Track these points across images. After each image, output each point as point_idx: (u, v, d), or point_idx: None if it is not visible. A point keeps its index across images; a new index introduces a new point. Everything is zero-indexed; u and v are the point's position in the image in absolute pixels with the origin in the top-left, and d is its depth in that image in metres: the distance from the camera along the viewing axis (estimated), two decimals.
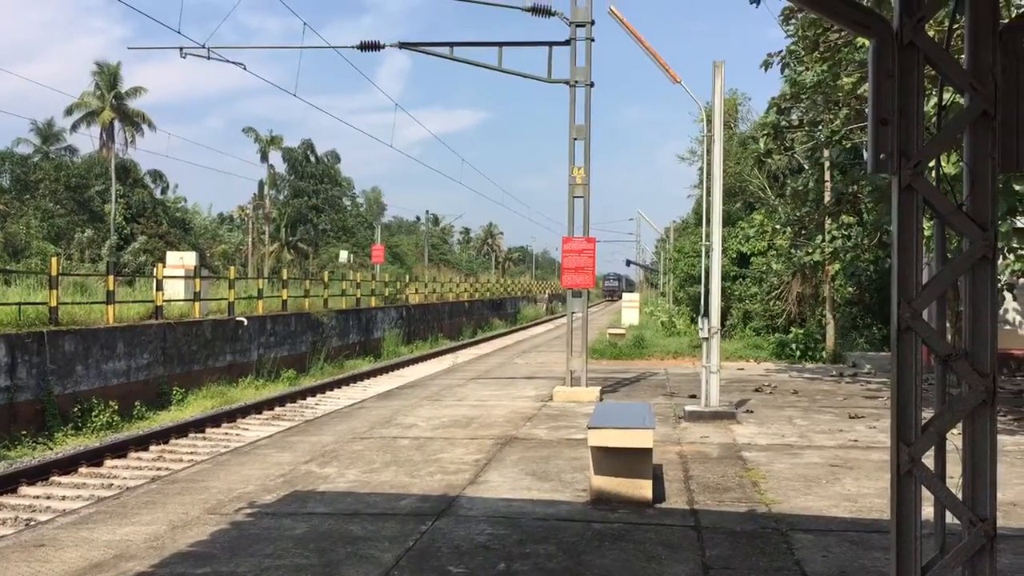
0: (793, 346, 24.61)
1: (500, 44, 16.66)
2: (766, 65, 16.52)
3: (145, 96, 63.49)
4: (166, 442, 15.83)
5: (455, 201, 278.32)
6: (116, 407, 17.84)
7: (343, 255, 59.08)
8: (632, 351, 25.64)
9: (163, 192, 64.47)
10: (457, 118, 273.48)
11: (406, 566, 6.24)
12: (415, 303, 42.98)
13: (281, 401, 20.66)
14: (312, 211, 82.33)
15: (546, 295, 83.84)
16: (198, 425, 17.14)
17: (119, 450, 14.80)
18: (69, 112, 59.76)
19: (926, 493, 2.94)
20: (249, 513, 7.70)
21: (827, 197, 20.96)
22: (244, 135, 76.63)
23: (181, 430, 16.63)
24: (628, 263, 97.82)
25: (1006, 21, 3.04)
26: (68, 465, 13.64)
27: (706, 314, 13.97)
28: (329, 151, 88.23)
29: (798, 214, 21.14)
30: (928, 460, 2.96)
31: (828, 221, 21.03)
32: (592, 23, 15.55)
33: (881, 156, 2.94)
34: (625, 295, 51.17)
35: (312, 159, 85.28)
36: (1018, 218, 13.39)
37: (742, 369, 21.53)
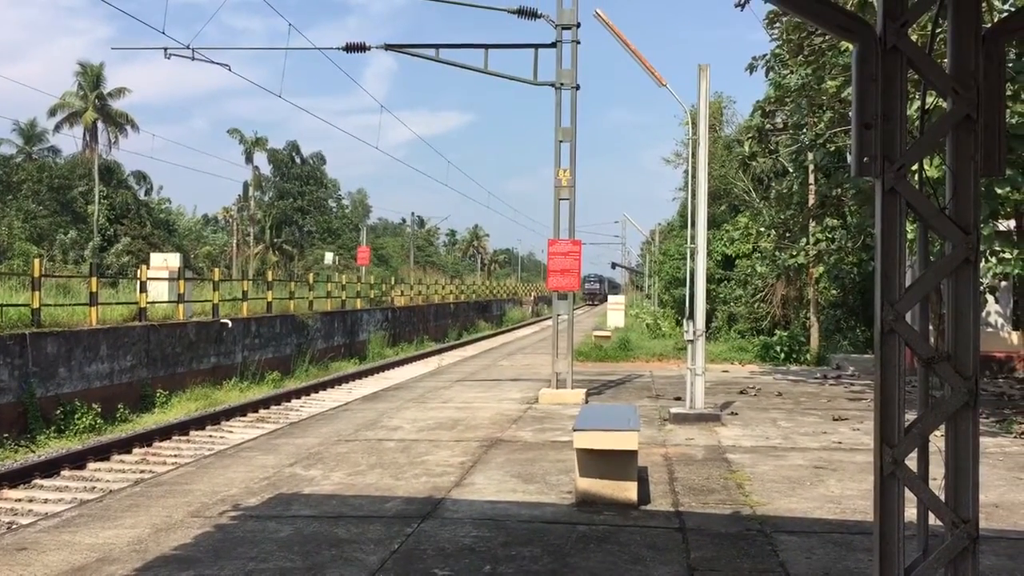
0: (777, 348, 24.69)
1: (486, 46, 16.67)
2: (751, 68, 16.59)
3: (129, 97, 63.17)
4: (149, 445, 15.75)
5: (441, 203, 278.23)
6: (99, 409, 17.73)
7: (328, 257, 58.88)
8: (617, 353, 25.67)
9: (147, 193, 64.17)
10: (443, 120, 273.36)
11: (391, 568, 6.23)
12: (400, 305, 42.91)
13: (266, 403, 20.59)
14: (297, 213, 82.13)
15: (532, 297, 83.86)
16: (182, 428, 17.06)
17: (102, 453, 14.72)
18: (52, 113, 59.37)
19: (909, 495, 2.95)
20: (233, 516, 7.66)
21: (811, 200, 21.05)
22: (229, 136, 76.42)
23: (165, 433, 16.54)
24: (614, 266, 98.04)
25: (988, 26, 3.06)
26: (50, 468, 13.56)
27: (691, 316, 14.01)
28: (314, 153, 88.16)
29: (782, 217, 21.23)
30: (911, 462, 2.97)
31: (812, 224, 21.13)
32: (578, 26, 15.58)
33: (865, 159, 2.95)
34: (610, 298, 50.69)
35: (297, 160, 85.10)
36: (1000, 221, 13.50)
37: (727, 371, 21.59)
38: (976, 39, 2.96)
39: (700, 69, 13.59)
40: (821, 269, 23.30)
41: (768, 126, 18.22)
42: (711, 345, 25.15)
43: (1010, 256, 14.16)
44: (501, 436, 11.89)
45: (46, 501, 11.90)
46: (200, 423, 17.68)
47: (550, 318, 17.12)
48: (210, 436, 16.87)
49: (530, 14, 16.17)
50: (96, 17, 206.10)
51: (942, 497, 2.97)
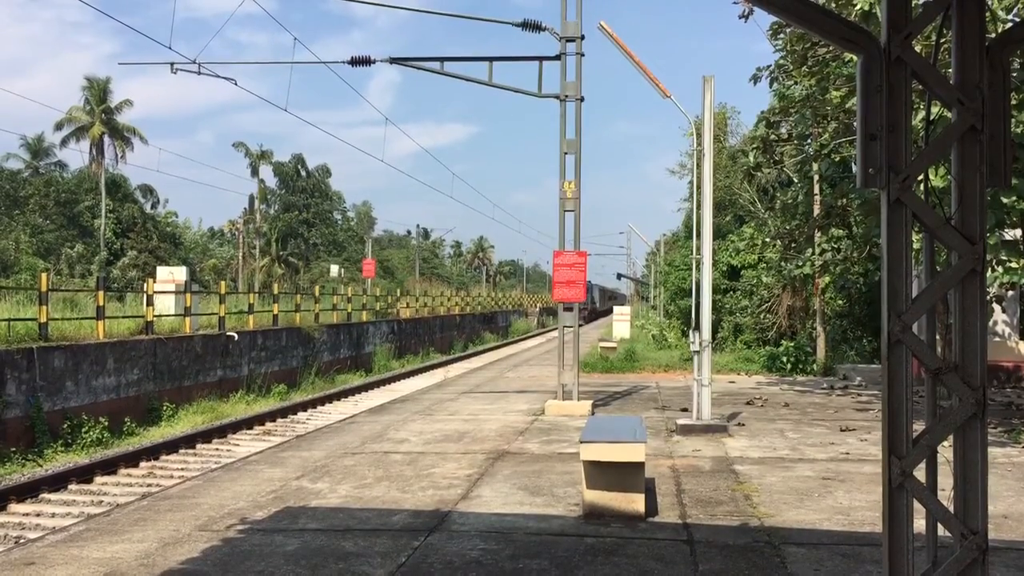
0: (784, 359, 24.64)
1: (490, 59, 16.73)
2: (755, 79, 16.61)
3: (135, 111, 63.62)
4: (156, 458, 15.75)
5: (446, 215, 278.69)
6: (106, 423, 17.74)
7: (334, 269, 59.05)
8: (623, 364, 25.63)
9: (153, 207, 64.45)
10: (447, 132, 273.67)
11: None
12: (406, 317, 42.92)
13: (272, 416, 20.59)
14: (303, 225, 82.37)
15: (537, 309, 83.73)
16: (189, 441, 17.06)
17: (109, 467, 14.73)
18: (59, 127, 59.72)
19: (918, 506, 2.94)
20: (240, 529, 7.66)
21: (816, 210, 21.04)
22: (235, 150, 76.69)
23: (171, 446, 16.55)
24: (619, 276, 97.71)
25: (993, 36, 3.07)
26: (58, 482, 13.57)
27: (697, 327, 13.99)
28: (319, 165, 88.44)
29: (788, 227, 21.22)
30: (920, 473, 2.97)
31: (818, 234, 21.11)
32: (582, 38, 15.62)
33: (870, 170, 2.96)
34: (615, 309, 49.56)
35: (303, 173, 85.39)
36: (1006, 231, 13.48)
37: (733, 382, 21.55)
38: (980, 50, 2.96)
39: (704, 80, 13.61)
40: (827, 279, 23.26)
41: (773, 137, 18.22)
42: (717, 356, 25.13)
43: (1017, 265, 14.15)
44: (508, 448, 11.88)
45: (54, 515, 11.90)
46: (207, 436, 17.69)
47: (555, 329, 17.09)
48: (217, 449, 16.87)
49: (534, 27, 16.22)
50: (101, 32, 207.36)
51: (951, 508, 2.96)
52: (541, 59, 16.26)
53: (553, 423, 14.33)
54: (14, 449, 15.48)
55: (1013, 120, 10.84)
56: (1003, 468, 10.30)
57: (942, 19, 3.09)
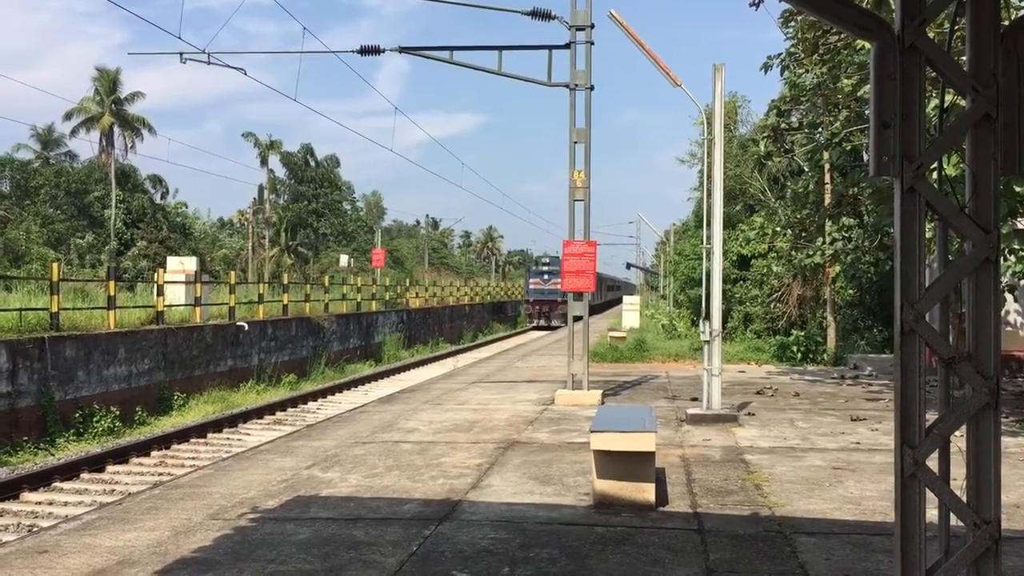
0: (794, 348, 24.57)
1: (500, 48, 16.68)
2: (766, 67, 16.51)
3: (144, 101, 63.56)
4: (168, 448, 15.84)
5: (455, 205, 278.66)
6: (117, 413, 17.84)
7: (343, 259, 58.99)
8: (633, 354, 25.61)
9: (163, 197, 64.58)
10: (456, 121, 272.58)
11: (409, 571, 6.24)
12: (415, 307, 42.98)
13: (282, 406, 20.67)
14: (312, 215, 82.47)
15: None
16: (200, 430, 17.14)
17: (121, 456, 14.82)
18: (68, 117, 59.82)
19: (930, 496, 2.93)
20: (252, 518, 7.69)
21: (827, 199, 20.95)
22: (244, 140, 76.92)
23: (183, 435, 16.64)
24: (629, 266, 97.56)
25: (1007, 23, 3.04)
26: (70, 471, 13.65)
27: (707, 317, 13.96)
28: (329, 155, 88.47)
29: (798, 216, 21.13)
30: (932, 463, 2.96)
31: (828, 223, 21.02)
32: (592, 26, 15.56)
33: (883, 159, 2.94)
34: (625, 299, 48.08)
35: (312, 163, 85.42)
36: (1019, 220, 13.40)
37: (743, 372, 21.52)
38: (995, 37, 2.94)
39: (715, 68, 13.55)
40: (838, 268, 23.18)
41: (783, 125, 18.11)
42: (727, 345, 25.08)
43: None
44: (518, 438, 11.89)
45: (66, 504, 11.98)
46: (217, 426, 17.77)
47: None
48: (227, 439, 16.94)
49: (544, 15, 16.16)
50: (111, 22, 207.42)
51: (963, 498, 2.95)
52: (551, 48, 16.21)
53: (563, 413, 14.34)
54: (26, 438, 15.58)
55: None
56: (1016, 458, 10.26)
57: (956, 6, 3.07)
